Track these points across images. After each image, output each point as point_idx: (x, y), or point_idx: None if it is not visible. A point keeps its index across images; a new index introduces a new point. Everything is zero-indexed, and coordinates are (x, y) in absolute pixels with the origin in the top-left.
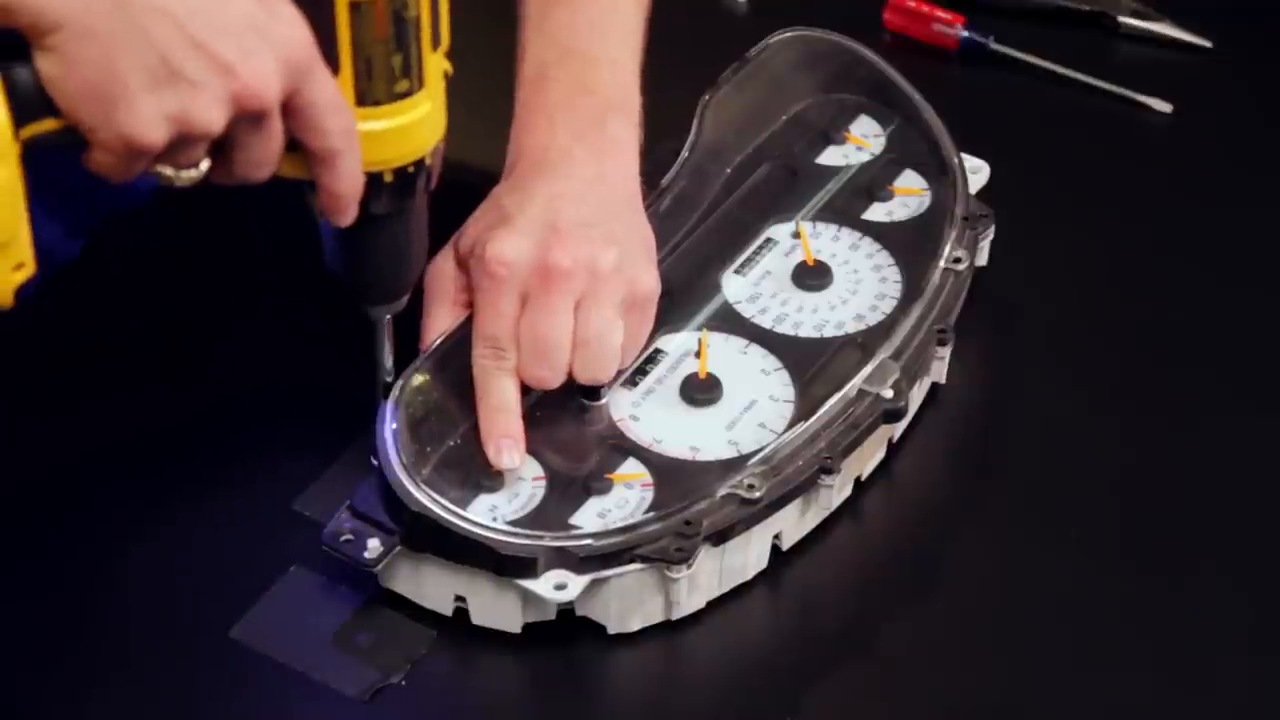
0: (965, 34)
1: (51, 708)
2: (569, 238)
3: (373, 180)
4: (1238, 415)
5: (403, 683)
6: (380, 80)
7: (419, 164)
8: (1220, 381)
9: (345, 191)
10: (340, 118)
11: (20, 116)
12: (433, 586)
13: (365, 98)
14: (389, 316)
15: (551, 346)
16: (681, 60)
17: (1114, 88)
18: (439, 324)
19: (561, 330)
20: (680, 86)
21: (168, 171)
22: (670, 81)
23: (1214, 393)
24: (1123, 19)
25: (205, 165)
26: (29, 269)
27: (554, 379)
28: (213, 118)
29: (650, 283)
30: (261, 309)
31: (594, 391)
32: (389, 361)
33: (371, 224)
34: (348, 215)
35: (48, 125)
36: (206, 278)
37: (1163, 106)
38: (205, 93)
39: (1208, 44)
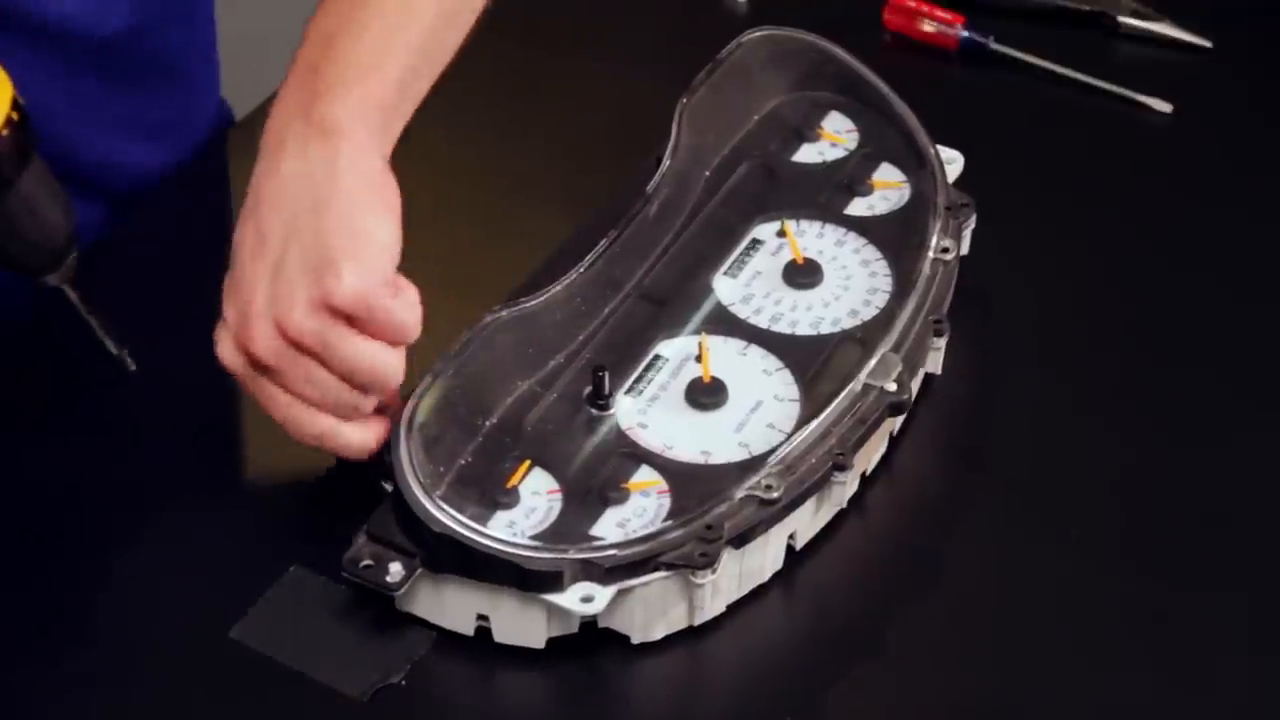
0: (965, 34)
1: (51, 708)
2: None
3: None
4: (1237, 415)
5: (403, 683)
6: None
7: None
8: (1220, 381)
9: None
10: None
11: None
12: (454, 606)
13: None
14: (72, 291)
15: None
16: (682, 62)
17: (1114, 88)
18: None
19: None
20: (680, 89)
21: None
22: (670, 83)
23: (1214, 392)
24: (1123, 19)
25: None
26: None
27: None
28: None
29: (344, 283)
30: None
31: (603, 400)
32: (92, 321)
33: None
34: None
35: None
36: (206, 277)
37: (1163, 106)
38: None
39: (1208, 44)
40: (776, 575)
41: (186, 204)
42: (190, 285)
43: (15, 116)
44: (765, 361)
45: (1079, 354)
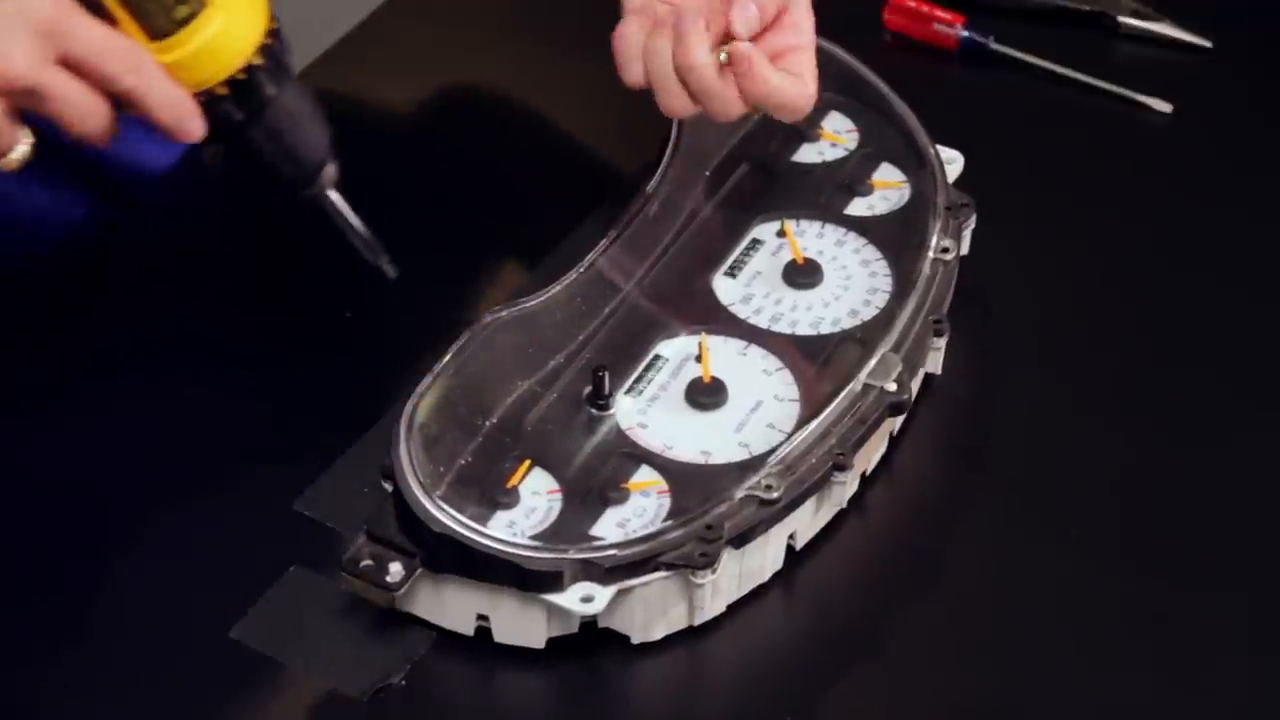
0: (965, 34)
1: (51, 708)
2: None
3: (210, 98)
4: (1237, 414)
5: (403, 682)
6: (156, 14)
7: (248, 69)
8: (1220, 381)
9: (167, 118)
10: (118, 59)
11: None
12: (454, 606)
13: (154, 33)
14: (332, 194)
15: None
16: None
17: (1114, 88)
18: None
19: None
20: None
21: None
22: None
23: (1214, 392)
24: (1123, 19)
25: (23, 148)
26: None
27: None
28: None
29: None
30: (261, 309)
31: (603, 400)
32: (357, 224)
33: (241, 131)
34: (187, 136)
35: None
36: (206, 276)
37: (1163, 106)
38: None
39: (1208, 44)
40: (776, 575)
41: (187, 202)
42: (191, 284)
43: (275, 25)
44: (765, 361)
45: (1079, 354)
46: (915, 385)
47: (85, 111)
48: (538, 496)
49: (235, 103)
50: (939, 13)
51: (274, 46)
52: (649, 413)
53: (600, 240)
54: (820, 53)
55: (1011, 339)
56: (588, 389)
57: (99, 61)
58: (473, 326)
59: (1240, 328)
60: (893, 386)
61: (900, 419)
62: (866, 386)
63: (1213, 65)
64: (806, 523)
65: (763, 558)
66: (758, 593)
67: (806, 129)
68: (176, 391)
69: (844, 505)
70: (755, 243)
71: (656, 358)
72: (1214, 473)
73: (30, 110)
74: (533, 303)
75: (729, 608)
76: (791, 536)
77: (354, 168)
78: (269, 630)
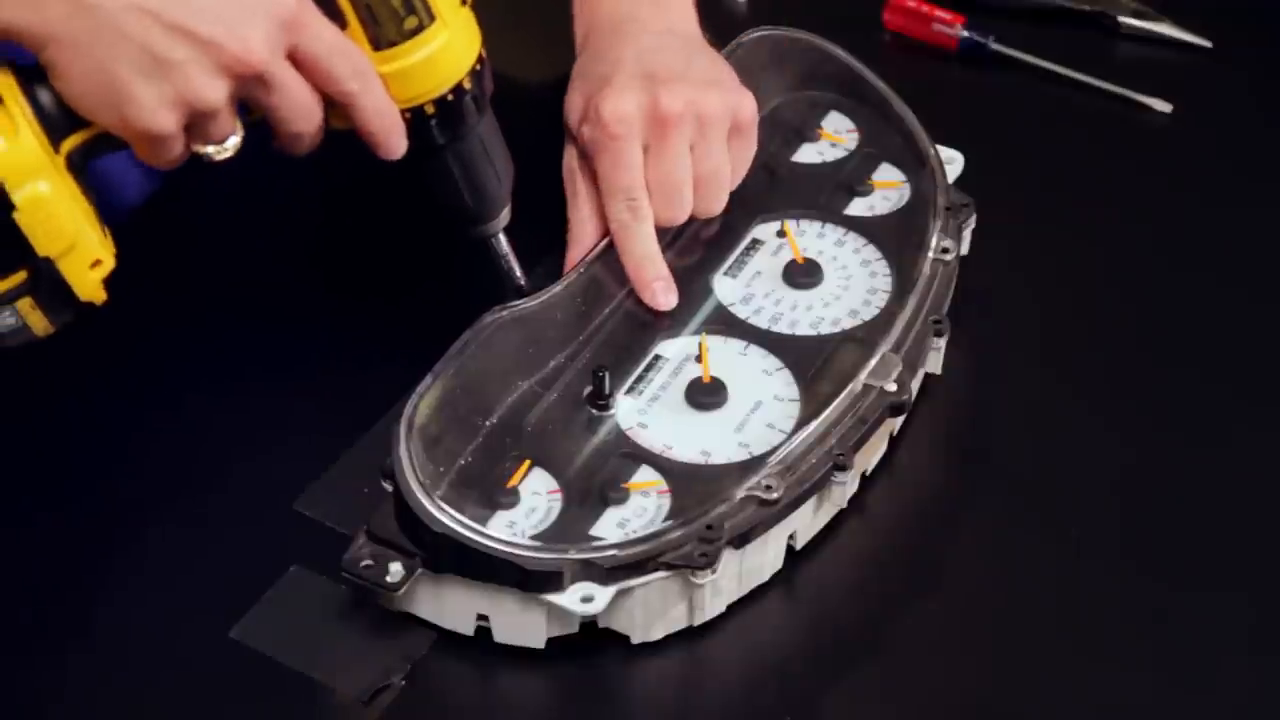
0: (965, 34)
1: (52, 708)
2: (671, 85)
3: (417, 116)
4: (1237, 414)
5: (402, 682)
6: (387, 23)
7: (458, 90)
8: (1220, 381)
9: (377, 129)
10: (345, 62)
11: (56, 131)
12: (454, 606)
13: (379, 42)
14: (501, 235)
15: (680, 187)
16: None
17: (1114, 88)
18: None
19: (685, 171)
20: None
21: (207, 149)
22: None
23: (1214, 392)
24: (1123, 19)
25: (236, 139)
26: (107, 264)
27: (682, 216)
28: (211, 93)
29: (750, 107)
30: (262, 309)
31: (604, 400)
32: (517, 270)
33: (437, 155)
34: (391, 150)
35: (84, 134)
36: (206, 277)
37: (1163, 106)
38: (195, 71)
39: (1208, 44)
40: (776, 575)
41: (187, 201)
42: (191, 285)
43: (484, 54)
44: (765, 361)
45: (1079, 354)
46: (915, 385)
47: (302, 109)
48: (538, 496)
49: (439, 124)
50: (939, 13)
51: (482, 74)
52: (649, 413)
53: (601, 240)
54: (820, 52)
55: (1011, 339)
56: (588, 389)
57: (327, 61)
58: (473, 326)
59: (1240, 328)
60: (893, 386)
61: (900, 419)
62: (866, 386)
63: (1213, 65)
64: (806, 523)
65: (763, 558)
66: (758, 593)
67: (806, 130)
68: (177, 391)
69: (844, 505)
70: (755, 243)
71: (656, 358)
72: (1214, 473)
73: (251, 100)
74: (533, 303)
75: (729, 608)
76: (791, 536)
77: (353, 167)
78: (269, 630)
